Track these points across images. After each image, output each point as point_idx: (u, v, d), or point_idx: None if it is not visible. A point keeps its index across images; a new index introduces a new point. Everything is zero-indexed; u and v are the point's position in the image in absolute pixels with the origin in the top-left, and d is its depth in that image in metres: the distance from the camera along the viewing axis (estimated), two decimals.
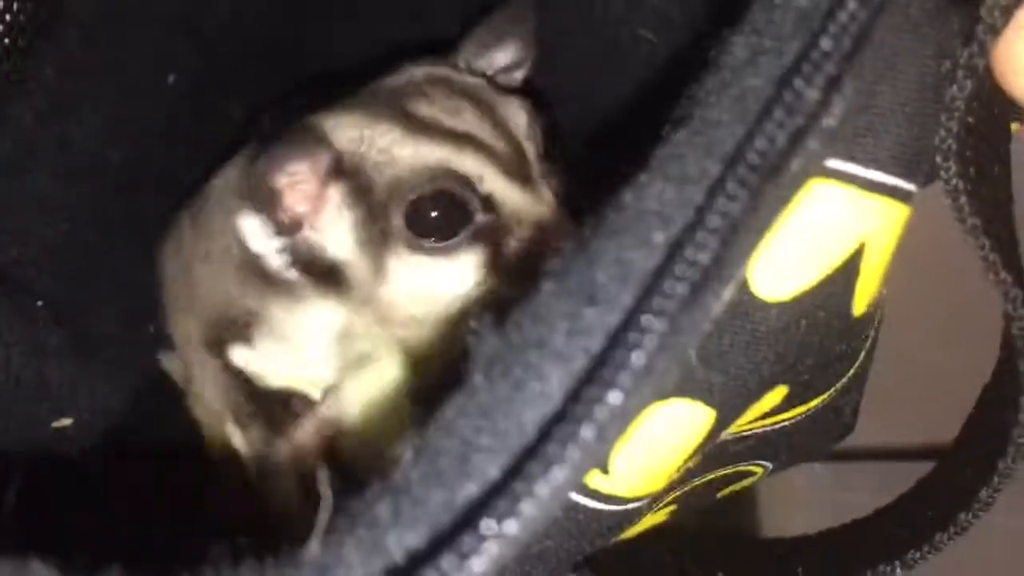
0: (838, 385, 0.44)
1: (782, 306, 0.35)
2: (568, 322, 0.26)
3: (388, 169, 0.48)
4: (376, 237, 0.48)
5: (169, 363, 0.60)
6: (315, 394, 0.53)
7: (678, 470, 0.39)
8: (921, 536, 0.44)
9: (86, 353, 0.53)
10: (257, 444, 0.53)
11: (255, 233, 0.50)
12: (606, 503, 0.37)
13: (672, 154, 0.27)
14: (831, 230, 0.35)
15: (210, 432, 0.57)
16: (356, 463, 0.50)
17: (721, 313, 0.27)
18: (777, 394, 0.41)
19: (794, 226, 0.33)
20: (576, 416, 0.24)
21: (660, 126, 0.30)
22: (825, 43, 0.27)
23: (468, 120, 0.49)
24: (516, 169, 0.49)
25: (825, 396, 0.45)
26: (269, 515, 0.52)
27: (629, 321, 0.24)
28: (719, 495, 0.52)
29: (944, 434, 0.50)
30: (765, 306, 0.35)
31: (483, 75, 0.55)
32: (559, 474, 0.24)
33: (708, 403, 0.36)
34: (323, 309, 0.51)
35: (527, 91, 0.56)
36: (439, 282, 0.49)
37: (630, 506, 0.39)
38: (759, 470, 0.51)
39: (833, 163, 0.34)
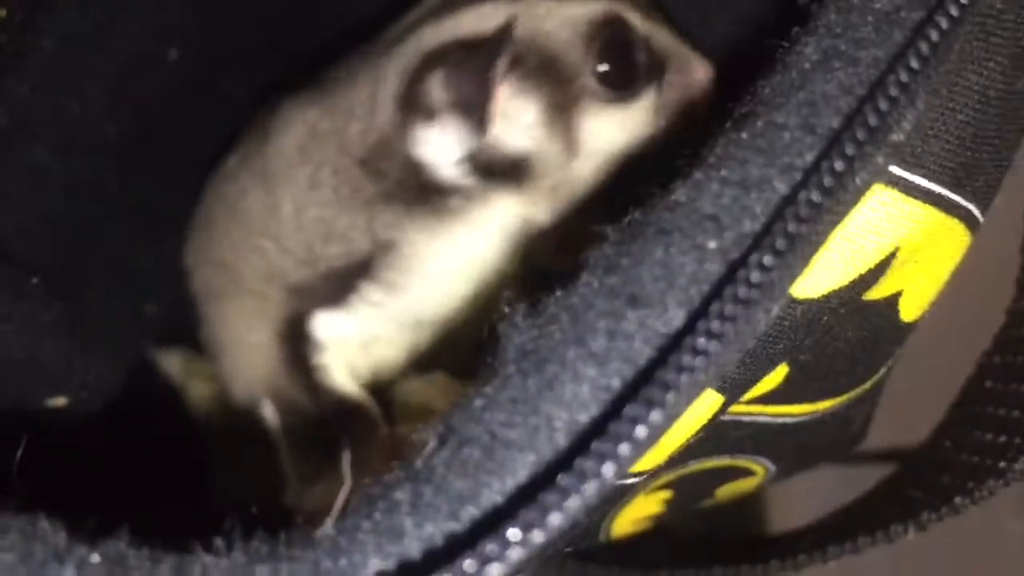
0: (851, 393, 0.44)
1: (809, 303, 0.35)
2: (608, 322, 0.25)
3: (561, 33, 0.46)
4: (564, 107, 0.47)
5: (169, 362, 0.59)
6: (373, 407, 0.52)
7: (679, 447, 0.39)
8: (938, 499, 0.44)
9: (81, 330, 0.52)
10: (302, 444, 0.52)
11: (433, 143, 0.47)
12: None
13: (732, 155, 0.26)
14: (870, 232, 0.34)
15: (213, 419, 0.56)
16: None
17: None
18: (779, 373, 0.41)
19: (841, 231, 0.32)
20: (615, 434, 0.23)
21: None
22: (907, 56, 0.26)
23: None
24: (652, 13, 0.48)
25: (836, 400, 0.44)
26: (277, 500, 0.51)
27: (678, 339, 0.23)
28: (719, 493, 0.52)
29: None
30: (793, 303, 0.34)
31: None
32: (591, 488, 0.23)
33: (719, 390, 0.36)
34: (494, 213, 0.49)
35: None
36: (629, 129, 0.48)
37: (627, 481, 0.39)
38: (760, 469, 0.50)
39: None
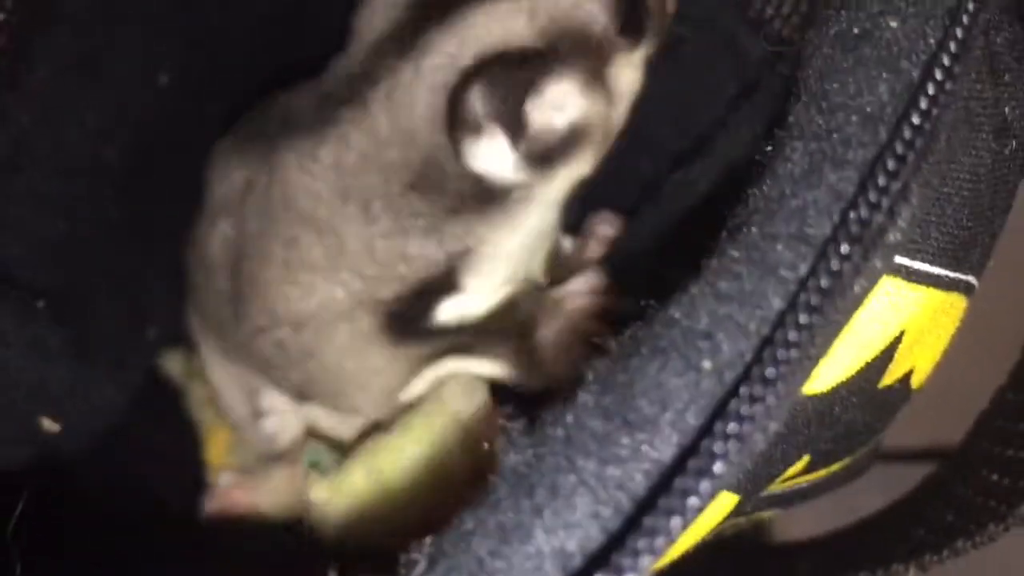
0: (863, 449, 0.43)
1: (818, 397, 0.34)
2: (602, 447, 0.24)
3: (583, 6, 0.47)
4: (599, 70, 0.48)
5: (169, 363, 0.59)
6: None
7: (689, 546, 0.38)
8: (941, 539, 0.43)
9: (86, 355, 0.52)
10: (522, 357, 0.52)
11: (485, 155, 0.47)
12: None
13: (726, 269, 0.25)
14: (874, 323, 0.33)
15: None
16: None
17: None
18: (800, 464, 0.40)
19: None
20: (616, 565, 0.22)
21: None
22: (895, 153, 0.25)
23: None
24: None
25: (847, 460, 0.44)
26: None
27: (671, 474, 0.23)
28: (725, 531, 0.51)
29: (952, 436, 0.49)
30: (802, 400, 0.33)
31: None
32: None
33: (734, 491, 0.35)
34: (554, 186, 0.50)
35: None
36: (644, 63, 0.50)
37: None
38: (768, 514, 0.50)
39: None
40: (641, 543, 0.23)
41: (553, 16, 0.47)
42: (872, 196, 0.25)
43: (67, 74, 0.50)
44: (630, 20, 0.49)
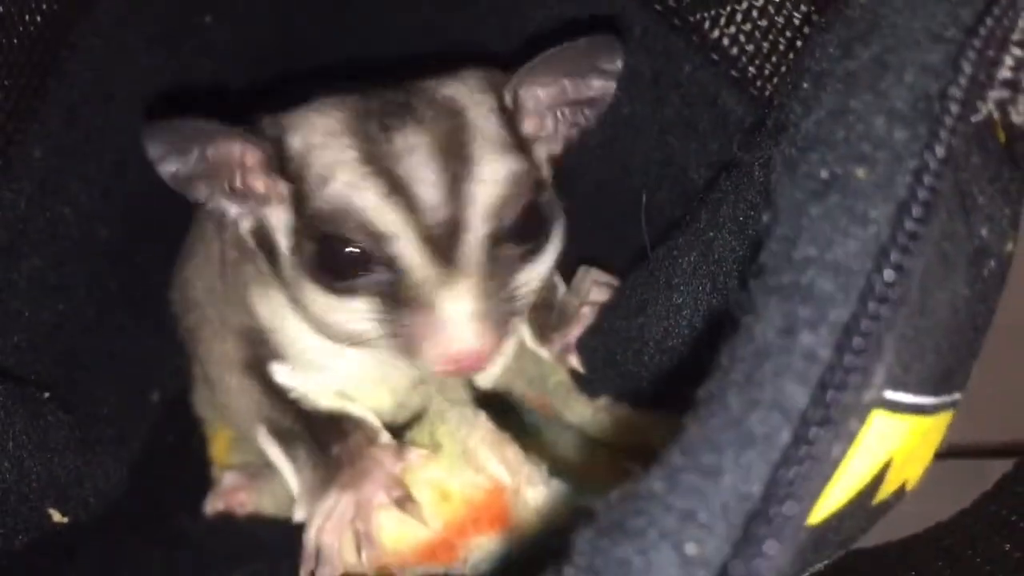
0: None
1: (812, 528, 0.33)
2: None
3: (320, 189, 0.47)
4: (299, 250, 0.49)
5: None
6: (372, 419, 0.53)
7: None
8: None
9: (91, 441, 0.54)
10: (303, 463, 0.52)
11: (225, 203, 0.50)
12: None
13: (708, 440, 0.25)
14: (862, 457, 0.33)
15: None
16: None
17: None
18: None
19: None
20: None
21: None
22: (868, 313, 0.26)
23: (429, 170, 0.46)
24: (442, 241, 0.46)
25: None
26: None
27: None
28: None
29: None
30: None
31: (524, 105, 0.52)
32: None
33: None
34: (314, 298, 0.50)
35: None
36: (334, 316, 0.49)
37: None
38: None
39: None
40: None
41: (305, 158, 0.48)
42: (847, 360, 0.25)
43: (60, 154, 0.52)
44: (333, 258, 0.48)
